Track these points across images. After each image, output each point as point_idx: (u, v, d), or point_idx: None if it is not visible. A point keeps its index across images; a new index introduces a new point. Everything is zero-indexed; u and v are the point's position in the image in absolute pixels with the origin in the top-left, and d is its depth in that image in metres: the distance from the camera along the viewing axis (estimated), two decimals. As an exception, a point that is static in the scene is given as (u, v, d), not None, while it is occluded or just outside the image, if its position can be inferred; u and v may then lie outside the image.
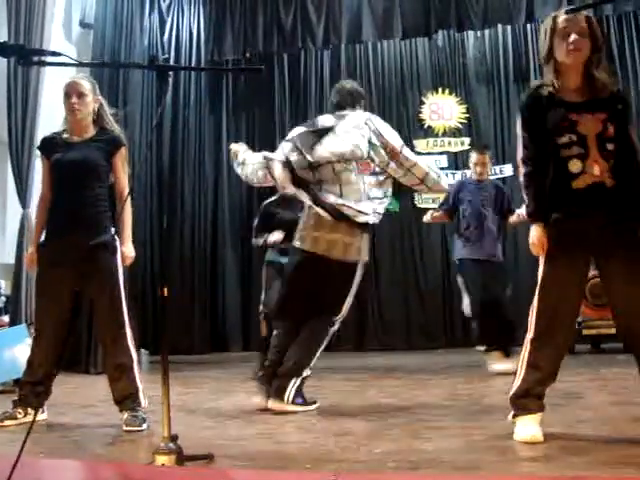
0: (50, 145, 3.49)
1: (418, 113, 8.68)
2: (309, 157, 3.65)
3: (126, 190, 3.40)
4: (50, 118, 6.43)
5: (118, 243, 3.33)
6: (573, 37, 2.49)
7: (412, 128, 8.63)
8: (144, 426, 3.13)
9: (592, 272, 6.96)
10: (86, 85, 3.41)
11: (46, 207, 3.46)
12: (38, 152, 3.60)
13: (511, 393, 2.69)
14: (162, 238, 2.51)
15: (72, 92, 3.38)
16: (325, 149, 3.64)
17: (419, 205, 8.18)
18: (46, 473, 2.20)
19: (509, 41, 8.53)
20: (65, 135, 3.46)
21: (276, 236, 4.89)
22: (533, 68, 8.39)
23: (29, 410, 3.32)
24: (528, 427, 2.58)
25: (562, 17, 2.53)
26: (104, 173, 3.38)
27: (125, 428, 3.13)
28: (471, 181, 5.62)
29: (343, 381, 4.92)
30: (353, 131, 3.64)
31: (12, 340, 4.69)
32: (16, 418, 3.30)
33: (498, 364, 4.81)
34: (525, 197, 2.68)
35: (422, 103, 8.72)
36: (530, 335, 2.67)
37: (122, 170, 3.43)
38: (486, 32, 8.49)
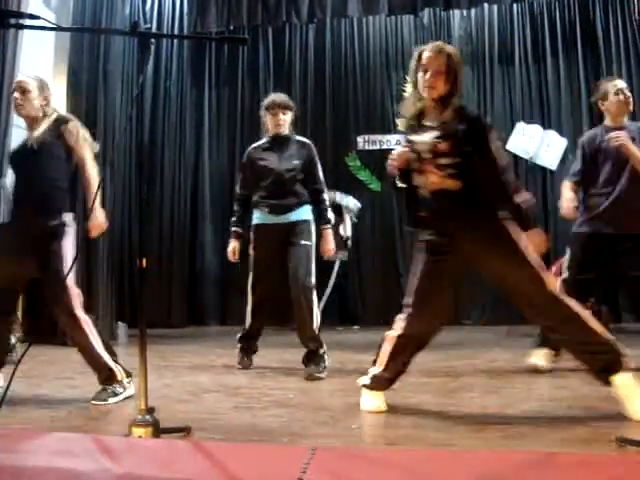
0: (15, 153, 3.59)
1: (402, 91, 8.64)
2: None
3: (86, 160, 3.37)
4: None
5: (69, 227, 3.32)
6: (429, 75, 2.84)
7: (396, 106, 8.60)
8: (110, 400, 3.15)
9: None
10: (32, 83, 3.45)
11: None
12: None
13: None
14: (141, 210, 2.47)
15: (17, 89, 3.44)
16: None
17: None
18: (21, 444, 2.18)
19: (495, 21, 8.49)
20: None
21: None
22: (518, 49, 8.38)
23: None
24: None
25: (425, 54, 2.89)
26: (54, 151, 3.37)
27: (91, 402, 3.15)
28: None
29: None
30: None
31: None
32: None
33: None
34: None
35: (405, 81, 8.68)
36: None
37: (77, 143, 3.40)
38: (472, 11, 8.45)
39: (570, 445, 2.15)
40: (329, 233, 4.22)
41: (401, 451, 2.15)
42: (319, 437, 2.35)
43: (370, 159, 8.32)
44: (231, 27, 7.51)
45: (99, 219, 3.32)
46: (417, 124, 2.95)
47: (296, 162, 4.15)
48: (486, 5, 8.17)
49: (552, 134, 8.25)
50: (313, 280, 4.06)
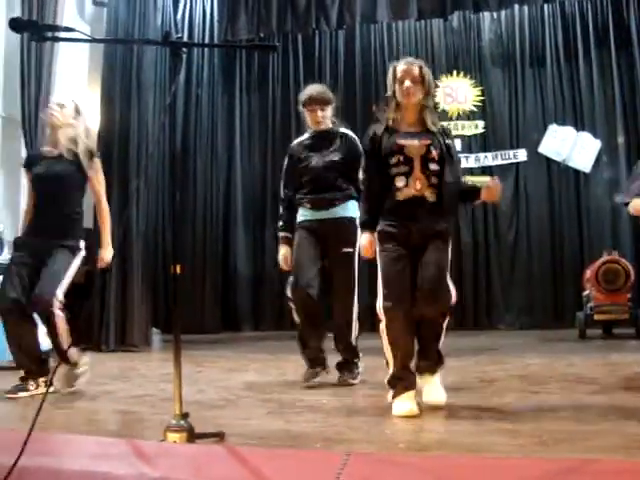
0: (31, 160, 3.93)
1: (432, 96, 8.59)
2: None
3: (102, 197, 3.80)
4: (63, 95, 6.46)
5: (81, 252, 3.74)
6: (407, 84, 3.13)
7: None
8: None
9: (605, 257, 6.93)
10: (68, 102, 3.82)
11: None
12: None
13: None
14: (174, 217, 2.50)
15: (54, 104, 3.80)
16: None
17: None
18: (58, 448, 2.22)
19: (525, 22, 8.42)
20: (46, 149, 3.83)
21: None
22: (549, 50, 8.29)
23: (40, 382, 3.52)
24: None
25: (400, 67, 3.17)
26: (77, 182, 3.75)
27: None
28: None
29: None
30: None
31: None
32: (28, 390, 3.49)
33: None
34: (360, 211, 3.42)
35: (436, 86, 8.64)
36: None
37: (97, 178, 3.79)
38: (502, 13, 8.38)
39: (607, 452, 2.11)
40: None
41: (435, 457, 2.14)
42: (353, 442, 2.35)
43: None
44: (261, 34, 7.57)
45: (108, 256, 3.74)
46: (396, 128, 3.16)
47: (339, 158, 3.94)
48: (516, 6, 8.10)
49: (585, 136, 8.14)
50: (355, 289, 3.90)
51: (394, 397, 2.93)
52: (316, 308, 3.84)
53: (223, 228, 8.51)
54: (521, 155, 8.33)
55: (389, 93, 3.24)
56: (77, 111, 3.80)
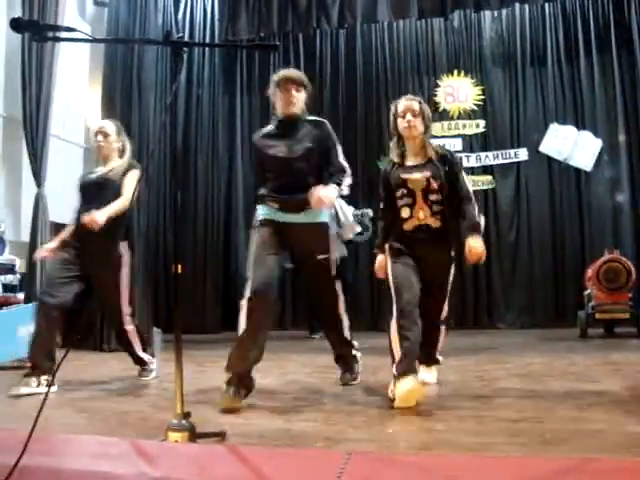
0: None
1: (433, 96, 8.61)
2: None
3: (125, 195, 3.94)
4: (65, 95, 6.46)
5: (125, 256, 4.04)
6: (408, 117, 3.43)
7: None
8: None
9: (606, 256, 6.93)
10: (111, 127, 4.22)
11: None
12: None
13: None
14: (176, 217, 2.50)
15: (98, 133, 4.18)
16: None
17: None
18: (58, 448, 2.22)
19: (526, 21, 8.42)
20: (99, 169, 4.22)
21: None
22: (550, 50, 8.28)
23: (42, 380, 3.58)
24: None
25: (400, 104, 3.47)
26: (117, 189, 3.97)
27: None
28: None
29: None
30: None
31: (27, 317, 4.72)
32: (30, 386, 3.55)
33: None
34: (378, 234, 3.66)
35: (437, 86, 8.65)
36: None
37: (128, 183, 4.00)
38: (503, 12, 8.39)
39: (609, 451, 2.11)
40: (334, 187, 3.45)
41: (436, 456, 2.14)
42: (354, 442, 2.35)
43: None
44: (262, 34, 7.57)
45: (99, 216, 3.73)
46: (402, 163, 3.48)
47: (309, 145, 3.49)
48: (517, 5, 8.10)
49: (586, 135, 8.14)
50: (337, 287, 3.70)
51: (399, 377, 3.04)
52: (268, 319, 3.37)
53: (224, 228, 8.51)
54: (522, 154, 8.33)
55: (392, 130, 3.55)
56: (118, 133, 4.23)
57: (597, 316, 6.42)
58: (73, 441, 2.31)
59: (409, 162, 3.47)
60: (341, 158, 3.58)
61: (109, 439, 2.32)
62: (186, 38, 7.63)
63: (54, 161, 6.03)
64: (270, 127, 3.67)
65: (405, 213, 3.40)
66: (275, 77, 3.58)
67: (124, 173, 4.04)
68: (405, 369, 3.05)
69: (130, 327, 4.12)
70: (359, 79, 8.74)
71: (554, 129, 8.20)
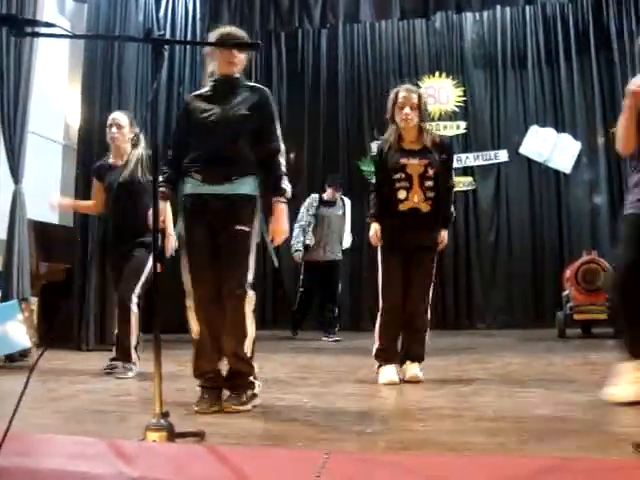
0: (100, 170, 4.58)
1: (414, 96, 8.63)
2: None
3: None
4: (43, 92, 6.39)
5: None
6: (405, 110, 3.73)
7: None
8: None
9: (584, 257, 6.98)
10: (124, 119, 4.50)
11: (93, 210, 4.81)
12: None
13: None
14: (155, 215, 2.48)
15: (112, 125, 4.44)
16: None
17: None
18: (35, 448, 2.19)
19: (507, 24, 8.49)
20: (110, 160, 4.53)
21: None
22: (531, 52, 8.35)
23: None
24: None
25: (401, 94, 3.79)
26: (144, 188, 4.23)
27: None
28: None
29: (334, 361, 4.95)
30: None
31: (3, 316, 4.66)
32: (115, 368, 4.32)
33: None
34: (371, 205, 3.94)
35: (418, 87, 8.67)
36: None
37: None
38: (484, 14, 8.44)
39: (586, 450, 2.13)
40: (282, 209, 3.08)
41: (416, 456, 2.14)
42: (333, 441, 2.35)
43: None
44: (244, 33, 7.53)
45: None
46: (398, 147, 3.77)
47: (245, 112, 3.09)
48: (499, 8, 8.16)
49: (566, 137, 8.22)
50: (249, 274, 3.04)
51: (379, 367, 3.76)
52: (218, 313, 3.03)
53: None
54: (502, 156, 8.38)
55: (388, 115, 3.86)
56: (132, 124, 4.50)
57: (575, 317, 6.48)
58: (50, 441, 2.29)
59: (406, 146, 3.78)
60: (278, 136, 3.15)
61: (87, 439, 2.30)
62: (167, 36, 7.60)
63: (32, 158, 5.95)
64: (205, 88, 3.22)
65: (402, 195, 3.72)
66: (214, 34, 3.16)
67: (145, 166, 4.29)
68: (385, 358, 3.76)
69: (135, 309, 4.36)
70: (340, 79, 8.75)
71: (534, 131, 8.26)
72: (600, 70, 8.07)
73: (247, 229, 3.03)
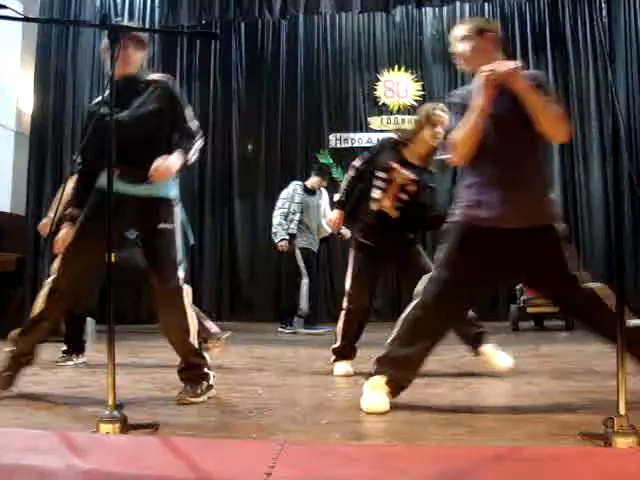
0: None
1: (373, 90, 8.68)
2: None
3: None
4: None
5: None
6: (438, 129, 3.70)
7: (367, 105, 8.64)
8: None
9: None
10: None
11: None
12: None
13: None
14: (108, 202, 2.44)
15: None
16: None
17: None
18: (-15, 441, 2.15)
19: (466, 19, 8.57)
20: None
21: None
22: (488, 48, 8.45)
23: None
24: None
25: (438, 112, 3.74)
26: None
27: None
28: None
29: (290, 352, 4.96)
30: None
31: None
32: None
33: None
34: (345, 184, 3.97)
35: (377, 80, 8.72)
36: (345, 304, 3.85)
37: None
38: (444, 10, 8.52)
39: (535, 439, 2.18)
40: (176, 156, 2.92)
41: (369, 446, 2.17)
42: (288, 432, 2.35)
43: (342, 157, 8.35)
44: (203, 22, 7.48)
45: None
46: (403, 155, 3.79)
47: (151, 108, 3.02)
48: (458, 4, 8.25)
49: (521, 133, 8.33)
50: (179, 271, 3.06)
51: (334, 361, 3.82)
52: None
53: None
54: (459, 151, 8.48)
55: (415, 127, 3.84)
56: None
57: (528, 310, 6.61)
58: (0, 434, 2.24)
59: (408, 157, 3.80)
60: (190, 121, 3.09)
61: (38, 432, 2.26)
62: (125, 22, 7.47)
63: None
64: (106, 93, 2.83)
65: (375, 194, 3.74)
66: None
67: None
68: (343, 355, 3.82)
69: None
70: (300, 70, 8.73)
71: (490, 127, 8.38)
72: (555, 68, 8.22)
73: (169, 226, 3.03)
